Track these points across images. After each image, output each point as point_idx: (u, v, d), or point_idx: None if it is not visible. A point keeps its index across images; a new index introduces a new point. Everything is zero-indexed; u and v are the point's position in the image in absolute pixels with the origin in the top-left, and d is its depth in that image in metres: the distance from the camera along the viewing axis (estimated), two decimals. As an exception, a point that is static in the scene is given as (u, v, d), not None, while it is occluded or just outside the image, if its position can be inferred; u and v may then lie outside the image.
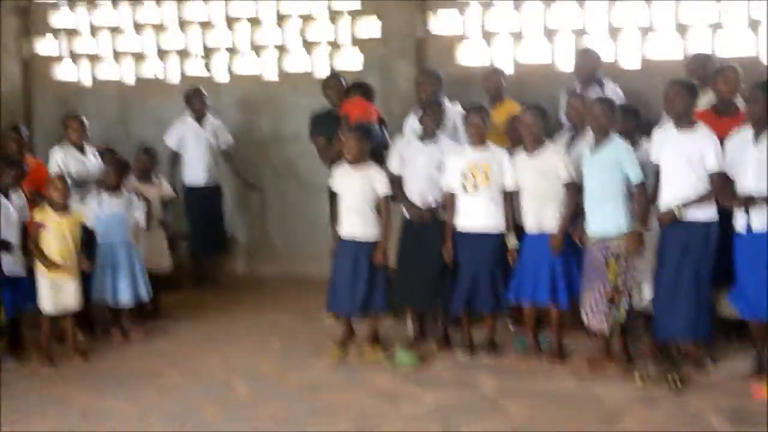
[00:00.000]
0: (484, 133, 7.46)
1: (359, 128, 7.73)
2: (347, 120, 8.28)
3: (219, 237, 10.47)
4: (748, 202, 6.52)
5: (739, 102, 7.44)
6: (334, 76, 9.22)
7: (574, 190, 7.13)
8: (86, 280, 7.94)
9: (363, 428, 6.04)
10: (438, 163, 7.59)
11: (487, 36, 9.91)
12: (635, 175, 6.89)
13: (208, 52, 11.17)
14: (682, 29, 9.14)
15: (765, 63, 8.75)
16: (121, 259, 8.15)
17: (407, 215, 7.74)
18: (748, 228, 6.59)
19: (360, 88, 8.87)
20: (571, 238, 7.17)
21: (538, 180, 7.19)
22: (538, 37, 9.68)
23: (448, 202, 7.51)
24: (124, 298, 8.17)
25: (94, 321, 8.40)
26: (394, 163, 7.77)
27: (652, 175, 6.96)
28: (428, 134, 7.72)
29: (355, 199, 7.56)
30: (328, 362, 7.45)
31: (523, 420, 6.13)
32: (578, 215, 7.14)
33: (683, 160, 6.72)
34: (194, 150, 10.11)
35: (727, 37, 8.98)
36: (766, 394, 6.30)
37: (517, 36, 9.75)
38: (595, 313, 6.93)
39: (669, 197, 6.79)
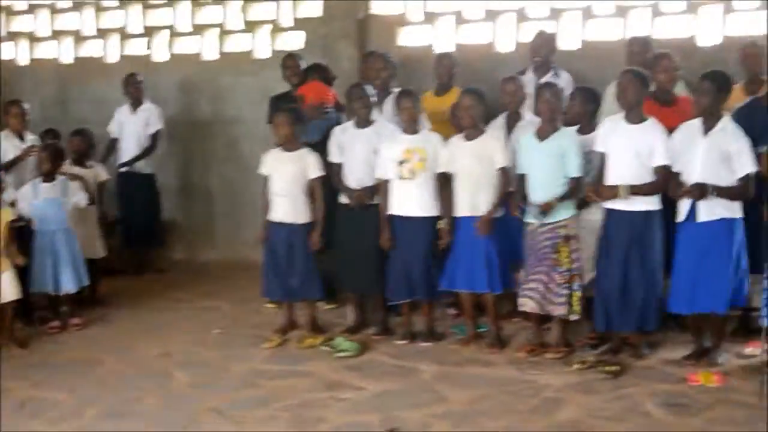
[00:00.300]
0: (416, 118, 7.42)
1: (287, 111, 7.68)
2: (302, 102, 8.25)
3: (153, 224, 10.35)
4: (701, 190, 6.49)
5: (678, 88, 7.49)
6: (292, 56, 9.14)
7: (507, 175, 7.13)
8: (26, 269, 7.85)
9: (302, 416, 6.01)
10: (375, 148, 7.54)
11: (429, 17, 9.89)
12: (574, 169, 6.90)
13: (148, 32, 11.04)
14: (621, 11, 9.18)
15: (701, 45, 8.82)
16: (60, 246, 8.05)
17: (347, 201, 7.70)
18: (693, 218, 6.59)
19: (318, 71, 8.82)
20: (502, 222, 7.20)
21: (474, 165, 7.14)
22: (479, 19, 9.68)
23: (383, 189, 7.46)
24: (67, 285, 8.08)
25: (33, 310, 8.27)
26: (332, 150, 7.72)
27: (597, 162, 6.94)
28: (361, 120, 7.66)
29: (285, 182, 7.54)
30: (268, 350, 7.41)
31: (462, 407, 6.12)
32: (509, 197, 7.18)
33: (632, 152, 6.69)
34: (125, 136, 10.06)
35: (665, 20, 9.04)
36: (701, 380, 6.37)
37: (459, 17, 9.75)
38: (549, 300, 6.93)
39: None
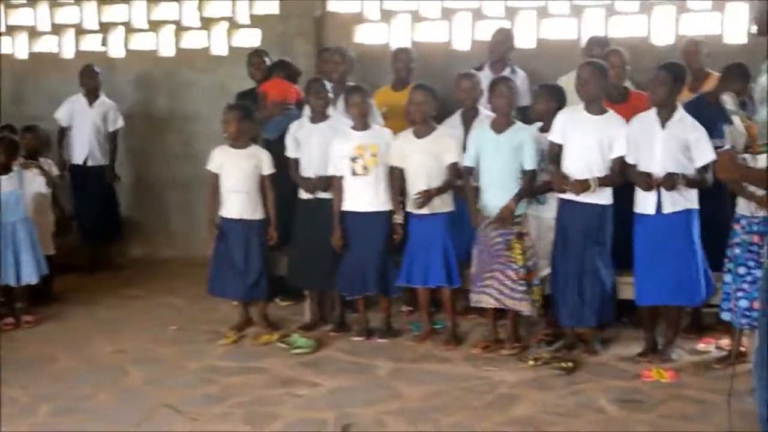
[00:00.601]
0: (367, 113, 7.42)
1: (236, 108, 7.68)
2: (265, 99, 8.24)
3: (108, 219, 10.25)
4: (672, 181, 6.52)
5: (626, 84, 7.58)
6: (257, 52, 9.12)
7: (458, 170, 7.17)
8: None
9: (257, 412, 6.02)
10: (330, 143, 7.52)
11: (386, 15, 9.91)
12: (530, 163, 6.94)
13: (103, 28, 10.97)
14: (576, 10, 9.25)
15: (655, 44, 8.90)
16: (21, 237, 8.03)
17: (304, 197, 7.71)
18: (658, 209, 6.63)
19: (282, 68, 8.81)
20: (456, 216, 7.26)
21: (425, 160, 7.17)
22: (435, 17, 9.71)
23: (336, 186, 7.47)
24: (28, 276, 8.06)
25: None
26: (289, 145, 7.72)
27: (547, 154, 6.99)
28: (317, 115, 7.66)
29: (238, 179, 7.53)
30: (224, 347, 7.41)
31: (417, 404, 6.15)
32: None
33: (592, 143, 6.74)
34: (81, 129, 9.92)
35: (620, 19, 9.12)
36: (654, 376, 6.44)
37: (416, 15, 9.77)
38: (508, 296, 6.95)
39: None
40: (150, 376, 6.76)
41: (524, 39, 9.27)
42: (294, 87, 8.62)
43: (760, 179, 3.99)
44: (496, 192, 6.95)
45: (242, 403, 6.20)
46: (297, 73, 8.89)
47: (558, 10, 9.34)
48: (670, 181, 6.50)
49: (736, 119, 4.43)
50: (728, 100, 4.54)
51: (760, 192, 5.65)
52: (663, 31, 8.97)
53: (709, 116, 6.55)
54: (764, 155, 4.39)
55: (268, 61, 8.91)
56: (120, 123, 10.11)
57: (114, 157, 10.13)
